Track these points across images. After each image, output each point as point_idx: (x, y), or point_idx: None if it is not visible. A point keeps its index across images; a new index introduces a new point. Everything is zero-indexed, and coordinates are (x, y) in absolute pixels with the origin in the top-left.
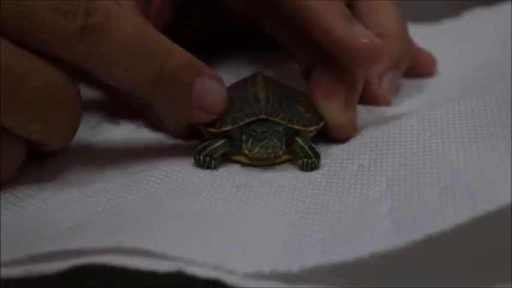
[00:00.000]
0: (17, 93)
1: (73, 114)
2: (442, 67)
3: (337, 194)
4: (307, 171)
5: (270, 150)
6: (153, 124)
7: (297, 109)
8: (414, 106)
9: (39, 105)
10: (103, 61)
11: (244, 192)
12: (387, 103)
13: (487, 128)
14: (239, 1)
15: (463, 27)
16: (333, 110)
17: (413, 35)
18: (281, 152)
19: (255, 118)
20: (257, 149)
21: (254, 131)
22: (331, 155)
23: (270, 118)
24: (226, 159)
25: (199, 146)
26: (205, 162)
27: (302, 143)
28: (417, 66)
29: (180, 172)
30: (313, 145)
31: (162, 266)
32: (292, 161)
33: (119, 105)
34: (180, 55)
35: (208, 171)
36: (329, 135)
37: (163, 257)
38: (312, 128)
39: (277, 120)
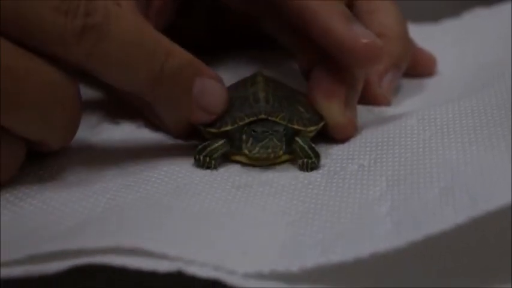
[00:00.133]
0: (17, 93)
1: (73, 114)
2: (442, 67)
3: (337, 194)
4: (307, 171)
5: (270, 150)
6: (153, 124)
7: (297, 109)
8: (414, 106)
9: (39, 105)
10: (103, 61)
11: (244, 192)
12: (387, 103)
13: (487, 128)
14: (239, 1)
15: (463, 27)
16: (332, 110)
17: (413, 35)
18: (281, 152)
19: (255, 118)
20: (257, 149)
21: (254, 131)
22: (331, 155)
23: (270, 118)
24: (226, 159)
25: (199, 146)
26: (205, 162)
27: (302, 143)
28: (417, 66)
29: (180, 172)
30: (313, 145)
31: (162, 266)
32: (292, 161)
33: (119, 105)
34: (180, 55)
35: (208, 171)
36: (329, 135)
37: (163, 257)
38: (312, 128)
39: (277, 120)
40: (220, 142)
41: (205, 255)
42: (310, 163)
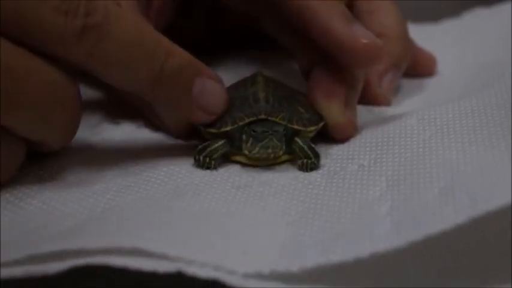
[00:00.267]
0: (17, 92)
1: (73, 114)
2: (442, 67)
3: (337, 194)
4: (307, 171)
5: (270, 151)
6: (153, 124)
7: (296, 109)
8: (414, 106)
9: (39, 105)
10: (103, 61)
11: (244, 193)
12: (387, 103)
13: (487, 128)
14: (239, 1)
15: (463, 27)
16: (332, 110)
17: (413, 35)
18: (281, 152)
19: (254, 118)
20: (257, 149)
21: (254, 131)
22: (331, 155)
23: (269, 118)
24: (226, 159)
25: (199, 146)
26: (205, 163)
27: (301, 143)
28: (417, 66)
29: (180, 172)
30: (313, 145)
31: (162, 266)
32: (292, 161)
33: (119, 105)
34: (180, 55)
35: (208, 171)
36: (329, 135)
37: (163, 257)
38: (312, 128)
39: (277, 120)
40: (220, 142)
41: (205, 255)
42: (309, 163)
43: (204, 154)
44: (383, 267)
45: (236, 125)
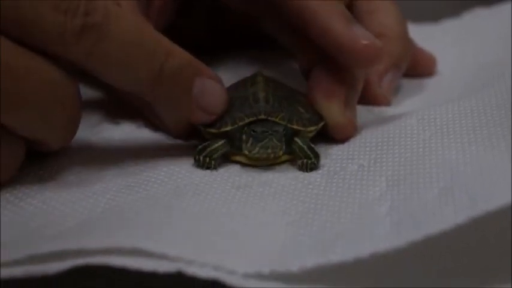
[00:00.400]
0: (17, 92)
1: (73, 113)
2: (442, 67)
3: (336, 194)
4: (307, 171)
5: (269, 151)
6: (153, 124)
7: (296, 109)
8: (414, 106)
9: (40, 104)
10: (102, 61)
11: (244, 193)
12: (387, 103)
13: (487, 128)
14: (239, 1)
15: (463, 27)
16: (332, 110)
17: (413, 35)
18: (281, 152)
19: (254, 118)
20: (257, 149)
21: (254, 131)
22: (331, 155)
23: (269, 118)
24: (226, 159)
25: (199, 147)
26: (205, 163)
27: (301, 143)
28: (417, 66)
29: (180, 172)
30: (313, 145)
31: (162, 266)
32: (291, 161)
33: (119, 105)
34: (180, 55)
35: (208, 171)
36: (329, 136)
37: (163, 257)
38: (312, 128)
39: (277, 120)
40: (220, 142)
41: (205, 255)
42: (309, 163)
43: (204, 154)
44: (383, 267)
45: (236, 125)
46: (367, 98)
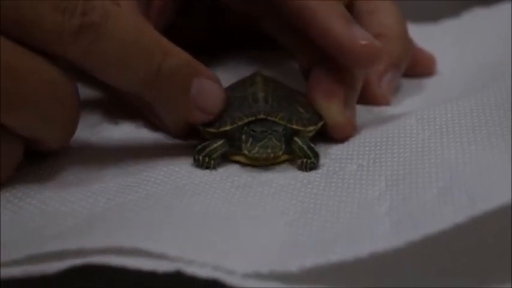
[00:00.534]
0: (17, 92)
1: (72, 112)
2: (441, 67)
3: (336, 194)
4: (306, 171)
5: (269, 150)
6: (153, 124)
7: (296, 109)
8: (413, 106)
9: (39, 104)
10: (100, 60)
11: (244, 192)
12: (386, 103)
13: (486, 128)
14: (239, 1)
15: (463, 27)
16: (332, 109)
17: (413, 35)
18: (280, 152)
19: (253, 118)
20: (256, 148)
21: (253, 130)
22: (330, 154)
23: (269, 118)
24: (225, 159)
25: (199, 146)
26: (205, 162)
27: (301, 143)
28: (417, 66)
29: (180, 172)
30: (312, 145)
31: (162, 266)
32: (291, 161)
33: (118, 105)
34: (178, 55)
35: (208, 171)
36: (328, 135)
37: (162, 257)
38: (311, 128)
39: (276, 120)
40: (220, 142)
41: (205, 255)
42: (309, 163)
43: (203, 154)
44: (382, 267)
45: (235, 125)
46: (367, 98)
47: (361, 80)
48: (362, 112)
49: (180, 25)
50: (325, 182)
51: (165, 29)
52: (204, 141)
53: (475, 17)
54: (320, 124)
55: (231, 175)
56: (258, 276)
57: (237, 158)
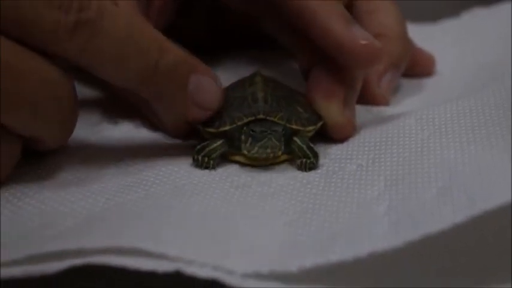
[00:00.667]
0: (17, 91)
1: (70, 112)
2: (441, 67)
3: (335, 194)
4: (306, 171)
5: (269, 150)
6: (152, 123)
7: (295, 109)
8: (413, 106)
9: (39, 103)
10: (96, 57)
11: (243, 192)
12: (386, 103)
13: (486, 128)
14: (239, 1)
15: (463, 27)
16: (331, 109)
17: (413, 35)
18: (280, 152)
19: (253, 118)
20: (256, 148)
21: (253, 130)
22: (330, 154)
23: (268, 118)
24: (224, 159)
25: (198, 146)
26: (204, 162)
27: (300, 142)
28: (416, 66)
29: (179, 172)
30: (312, 145)
31: (162, 266)
32: (290, 161)
33: (118, 105)
34: (175, 52)
35: (207, 171)
36: (328, 135)
37: (162, 257)
38: (311, 128)
39: (276, 120)
40: (219, 142)
41: (204, 255)
42: (308, 163)
43: (202, 154)
44: (381, 267)
45: (235, 125)
46: (366, 98)
47: (361, 80)
48: (361, 112)
49: (180, 25)
50: (324, 182)
51: (165, 29)
52: (204, 141)
53: (475, 17)
54: (319, 124)
55: (230, 175)
56: (258, 276)
57: (237, 158)
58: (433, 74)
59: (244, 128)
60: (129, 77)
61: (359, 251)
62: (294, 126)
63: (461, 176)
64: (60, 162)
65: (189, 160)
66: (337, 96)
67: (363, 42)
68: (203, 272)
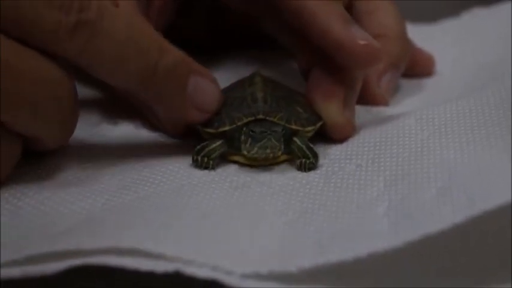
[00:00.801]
0: (17, 91)
1: (71, 112)
2: (441, 67)
3: (334, 194)
4: (305, 171)
5: (268, 151)
6: (151, 124)
7: (295, 109)
8: (412, 106)
9: (39, 103)
10: (96, 57)
11: (242, 193)
12: (385, 103)
13: (485, 128)
14: (239, 1)
15: (462, 27)
16: (331, 110)
17: (413, 35)
18: (279, 152)
19: (252, 118)
20: (255, 149)
21: (252, 131)
22: (329, 155)
23: (268, 118)
24: (224, 159)
25: (198, 147)
26: (203, 163)
27: (300, 143)
28: (416, 66)
29: (178, 173)
30: (311, 145)
31: (161, 267)
32: (290, 161)
33: (118, 105)
34: (174, 53)
35: (206, 171)
36: (327, 135)
37: (161, 257)
38: (310, 128)
39: (275, 120)
40: (218, 142)
41: (204, 255)
42: (308, 163)
43: (202, 154)
44: (381, 267)
45: (234, 125)
46: (366, 98)
47: (361, 80)
48: (361, 112)
49: (180, 25)
50: (324, 182)
51: (165, 29)
52: (203, 142)
53: (475, 17)
54: (319, 124)
55: (229, 175)
56: (257, 276)
57: (236, 158)
58: (432, 74)
59: (244, 129)
60: (129, 77)
61: (359, 251)
62: (294, 127)
63: (461, 176)
64: (60, 162)
65: (189, 160)
66: (336, 97)
67: (362, 42)
68: (202, 272)
